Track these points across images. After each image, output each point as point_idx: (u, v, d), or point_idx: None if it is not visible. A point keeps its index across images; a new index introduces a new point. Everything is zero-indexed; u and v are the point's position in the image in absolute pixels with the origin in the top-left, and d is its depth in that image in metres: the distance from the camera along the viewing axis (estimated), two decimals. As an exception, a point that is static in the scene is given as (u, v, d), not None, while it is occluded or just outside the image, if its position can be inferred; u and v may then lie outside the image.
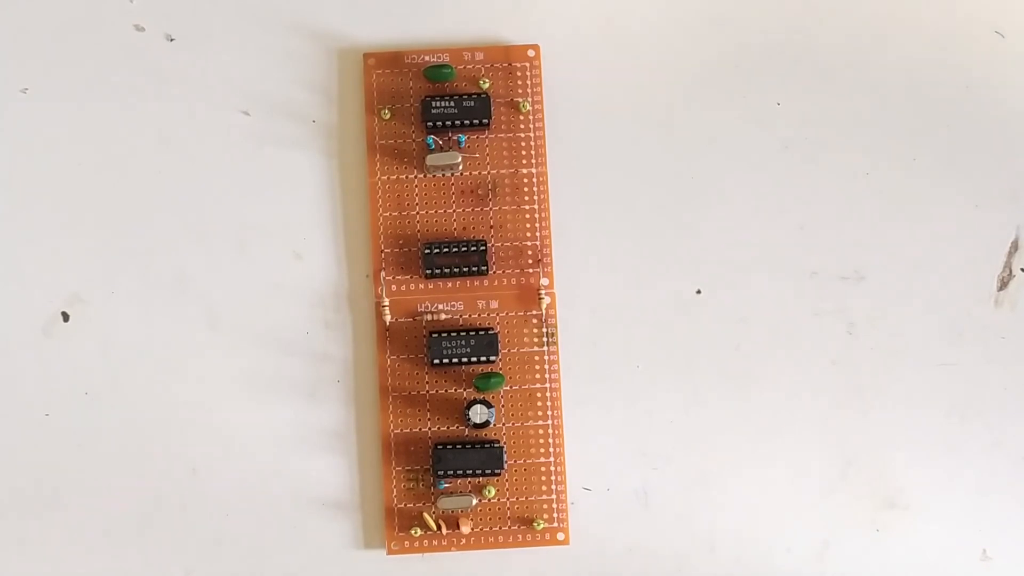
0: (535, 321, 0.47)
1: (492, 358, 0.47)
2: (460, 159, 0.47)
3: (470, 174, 0.48)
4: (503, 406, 0.47)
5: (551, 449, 0.47)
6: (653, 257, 0.48)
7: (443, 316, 0.47)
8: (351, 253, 0.48)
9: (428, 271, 0.47)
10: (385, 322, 0.47)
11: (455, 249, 0.47)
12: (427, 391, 0.47)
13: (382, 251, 0.48)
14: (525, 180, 0.48)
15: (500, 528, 0.47)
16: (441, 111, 0.47)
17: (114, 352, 0.47)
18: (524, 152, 0.48)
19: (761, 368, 0.48)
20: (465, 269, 0.47)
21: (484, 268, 0.47)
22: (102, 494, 0.47)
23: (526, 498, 0.47)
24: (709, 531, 0.47)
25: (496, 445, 0.46)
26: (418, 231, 0.48)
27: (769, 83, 0.49)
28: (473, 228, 0.48)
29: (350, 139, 0.48)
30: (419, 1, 0.49)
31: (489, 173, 0.48)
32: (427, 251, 0.47)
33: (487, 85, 0.48)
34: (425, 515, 0.46)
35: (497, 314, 0.47)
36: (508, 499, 0.47)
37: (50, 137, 0.48)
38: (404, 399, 0.47)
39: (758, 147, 0.49)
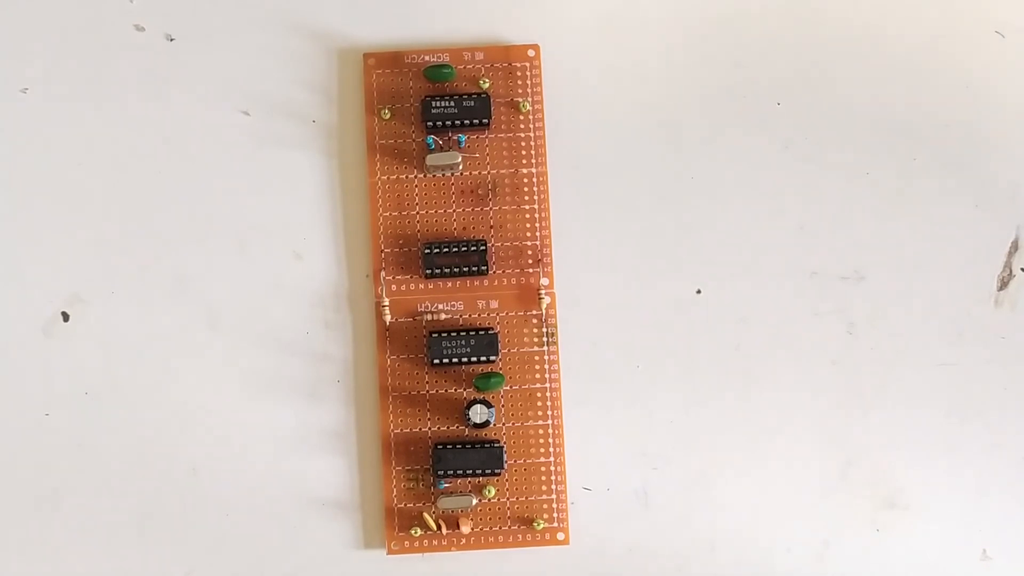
0: (535, 321, 0.47)
1: (492, 358, 0.47)
2: (460, 159, 0.47)
3: (470, 174, 0.48)
4: (503, 406, 0.47)
5: (551, 449, 0.47)
6: (653, 257, 0.48)
7: (443, 316, 0.47)
8: (351, 253, 0.48)
9: (428, 271, 0.47)
10: (385, 322, 0.47)
11: (455, 249, 0.47)
12: (427, 391, 0.47)
13: (382, 251, 0.48)
14: (525, 180, 0.48)
15: (500, 528, 0.47)
16: (441, 111, 0.47)
17: (114, 352, 0.47)
18: (524, 152, 0.48)
19: (761, 368, 0.48)
20: (465, 269, 0.47)
21: (484, 268, 0.47)
22: (102, 494, 0.47)
23: (526, 498, 0.47)
24: (709, 531, 0.47)
25: (496, 445, 0.46)
26: (418, 231, 0.48)
27: (769, 83, 0.49)
28: (473, 228, 0.48)
29: (350, 139, 0.48)
30: (419, 1, 0.49)
31: (489, 173, 0.48)
32: (427, 251, 0.47)
33: (487, 85, 0.48)
34: (425, 515, 0.46)
35: (497, 314, 0.47)
36: (508, 499, 0.47)
37: (50, 137, 0.48)
38: (404, 399, 0.47)
39: (758, 147, 0.49)
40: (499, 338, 0.47)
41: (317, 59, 0.48)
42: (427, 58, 0.48)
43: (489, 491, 0.47)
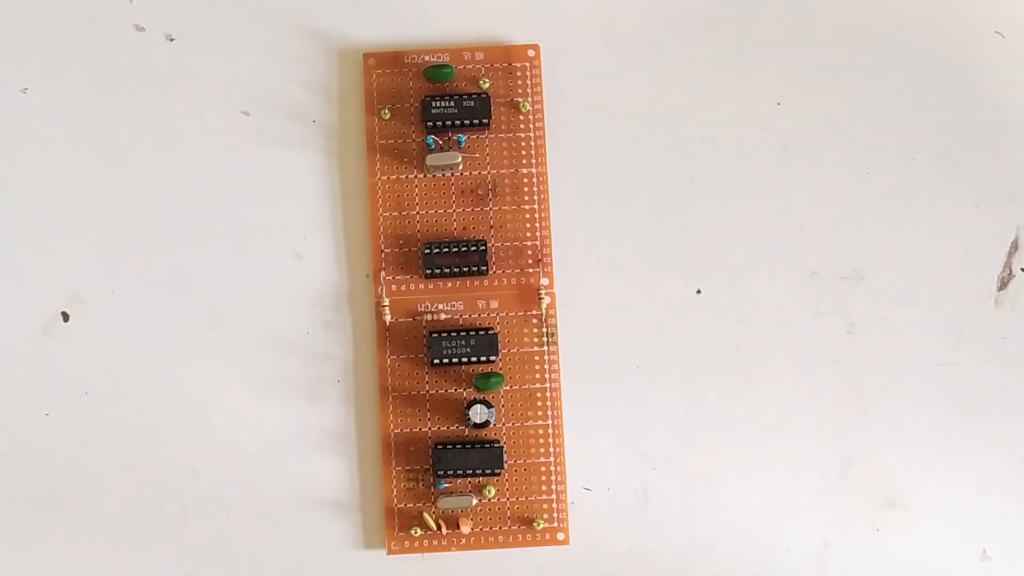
0: (535, 321, 0.47)
1: (492, 358, 0.47)
2: (460, 159, 0.47)
3: (470, 174, 0.48)
4: (503, 406, 0.47)
5: (551, 449, 0.47)
6: (653, 257, 0.48)
7: (443, 316, 0.47)
8: (351, 253, 0.48)
9: (428, 271, 0.47)
10: (385, 322, 0.47)
11: (455, 249, 0.47)
12: (427, 391, 0.47)
13: (382, 251, 0.48)
14: (525, 180, 0.48)
15: (500, 528, 0.47)
16: (441, 111, 0.47)
17: (114, 352, 0.47)
18: (524, 152, 0.48)
19: (761, 368, 0.48)
20: (465, 269, 0.47)
21: (484, 268, 0.47)
22: (102, 494, 0.47)
23: (526, 498, 0.47)
24: (709, 531, 0.47)
25: (496, 445, 0.46)
26: (418, 231, 0.48)
27: (769, 83, 0.49)
28: (473, 228, 0.48)
29: (350, 139, 0.48)
30: (419, 1, 0.49)
31: (489, 173, 0.48)
32: (427, 251, 0.47)
33: (487, 85, 0.48)
34: (425, 515, 0.46)
35: (497, 314, 0.47)
36: (508, 499, 0.47)
37: (50, 137, 0.48)
38: (404, 399, 0.47)
39: (758, 147, 0.49)
40: (499, 338, 0.47)
41: (317, 59, 0.48)
42: (427, 58, 0.48)
43: (489, 491, 0.47)
